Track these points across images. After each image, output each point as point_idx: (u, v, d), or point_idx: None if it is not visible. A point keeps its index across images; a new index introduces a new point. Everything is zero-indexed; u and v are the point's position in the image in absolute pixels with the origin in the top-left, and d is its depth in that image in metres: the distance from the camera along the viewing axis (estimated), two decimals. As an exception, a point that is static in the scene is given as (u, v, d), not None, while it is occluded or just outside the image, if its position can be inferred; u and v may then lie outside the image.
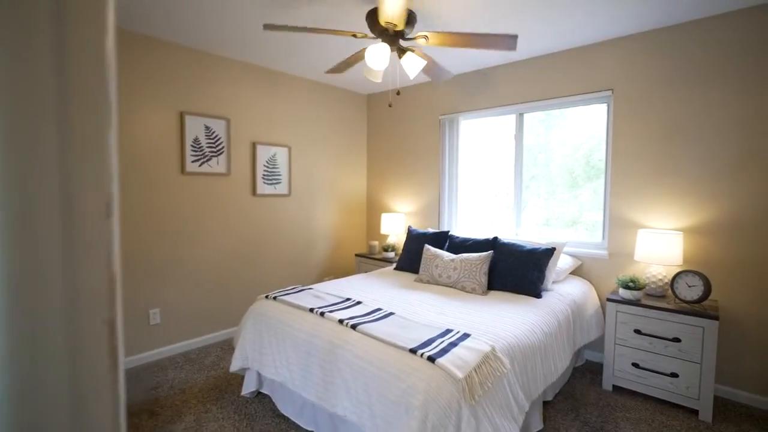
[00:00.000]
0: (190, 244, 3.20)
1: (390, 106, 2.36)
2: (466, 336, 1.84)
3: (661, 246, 2.56)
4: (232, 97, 3.42)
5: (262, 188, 3.70)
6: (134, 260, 2.91)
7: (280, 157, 3.83)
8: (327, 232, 4.32)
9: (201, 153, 3.25)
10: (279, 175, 3.84)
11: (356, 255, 4.29)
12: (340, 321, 2.02)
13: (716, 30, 2.50)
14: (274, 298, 2.45)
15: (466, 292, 2.71)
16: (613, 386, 2.66)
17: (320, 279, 4.28)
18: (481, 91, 3.63)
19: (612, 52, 2.90)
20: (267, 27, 1.90)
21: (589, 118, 3.19)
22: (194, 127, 3.19)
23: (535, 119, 3.45)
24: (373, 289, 2.73)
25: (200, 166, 3.25)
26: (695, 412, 2.38)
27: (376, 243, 4.25)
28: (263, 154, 3.69)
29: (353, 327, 1.95)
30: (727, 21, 2.46)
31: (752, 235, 2.43)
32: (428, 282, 2.94)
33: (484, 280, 2.71)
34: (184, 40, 2.99)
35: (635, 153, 2.84)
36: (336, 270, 4.45)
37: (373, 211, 4.69)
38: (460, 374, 1.54)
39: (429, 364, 1.61)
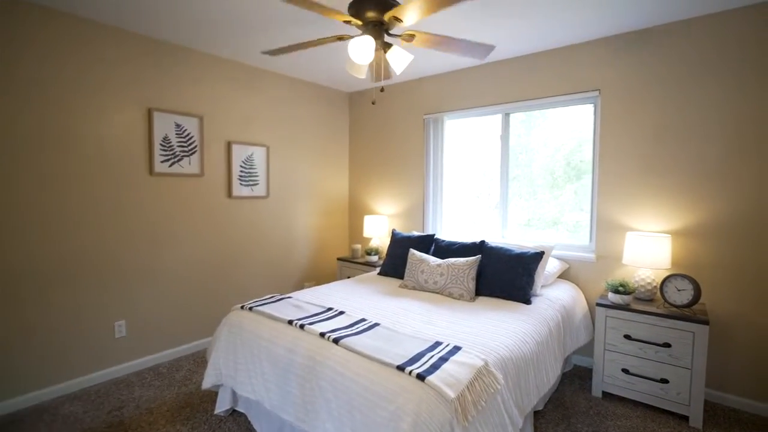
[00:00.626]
0: (159, 250, 2.99)
1: (373, 103, 2.23)
2: (456, 349, 1.73)
3: (650, 249, 2.51)
4: (205, 93, 3.22)
5: (239, 190, 3.50)
6: (97, 269, 2.68)
7: (258, 158, 3.65)
8: (308, 235, 4.15)
9: (171, 153, 3.04)
10: (256, 176, 3.65)
11: (338, 259, 4.14)
12: (322, 334, 1.88)
13: (703, 30, 2.47)
14: (250, 308, 2.28)
15: (454, 298, 2.61)
16: (603, 392, 2.60)
17: (301, 285, 4.11)
18: (467, 91, 3.54)
19: (599, 51, 2.85)
20: (266, 53, 1.77)
21: (569, 119, 3.15)
22: (164, 125, 2.98)
23: (516, 120, 3.39)
24: (356, 297, 2.59)
25: (170, 166, 3.03)
26: (686, 419, 2.34)
27: (358, 246, 4.11)
28: (239, 154, 3.50)
29: (336, 341, 1.81)
30: (713, 21, 2.43)
31: (740, 237, 2.41)
32: (414, 288, 2.82)
33: (472, 285, 2.61)
34: (153, 31, 2.77)
35: (623, 154, 2.80)
36: (317, 275, 4.29)
37: (355, 213, 4.54)
38: (452, 394, 1.42)
39: (418, 382, 1.48)
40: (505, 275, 2.61)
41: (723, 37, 2.41)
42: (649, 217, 2.71)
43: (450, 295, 2.63)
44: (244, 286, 3.59)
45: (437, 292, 2.70)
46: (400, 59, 2.06)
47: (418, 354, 1.67)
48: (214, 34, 2.83)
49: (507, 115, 3.41)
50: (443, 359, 1.63)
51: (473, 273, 2.64)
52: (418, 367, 1.55)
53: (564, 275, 3.08)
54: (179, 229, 3.10)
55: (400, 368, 1.56)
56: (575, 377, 2.85)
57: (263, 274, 3.75)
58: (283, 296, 2.52)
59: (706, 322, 2.23)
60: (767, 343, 2.37)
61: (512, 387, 1.74)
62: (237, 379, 2.10)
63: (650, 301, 2.59)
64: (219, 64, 3.29)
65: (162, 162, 2.98)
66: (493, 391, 1.56)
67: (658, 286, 2.58)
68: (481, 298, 2.63)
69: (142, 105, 2.85)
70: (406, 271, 2.92)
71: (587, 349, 2.99)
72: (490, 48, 1.90)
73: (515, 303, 2.51)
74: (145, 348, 2.94)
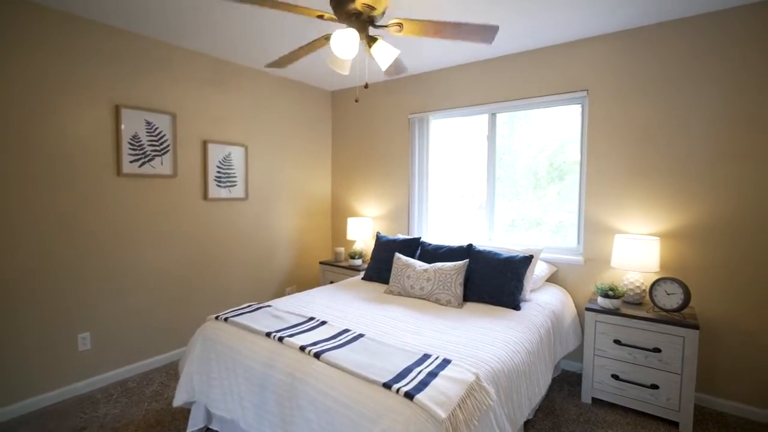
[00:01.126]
0: (128, 255, 2.79)
1: (357, 101, 2.11)
2: (446, 362, 1.62)
3: (638, 252, 2.47)
4: (178, 89, 3.03)
5: (215, 191, 3.33)
6: (59, 276, 2.48)
7: (236, 158, 3.48)
8: (289, 238, 4.00)
9: (141, 152, 2.85)
10: (234, 177, 3.48)
11: (321, 263, 4.00)
12: (302, 348, 1.75)
13: (693, 31, 2.44)
14: (226, 319, 2.13)
15: (441, 305, 2.51)
16: (593, 399, 2.55)
17: (282, 290, 3.96)
18: (453, 90, 3.45)
19: (587, 51, 2.80)
20: (269, 65, 1.69)
21: (553, 120, 3.11)
22: (133, 123, 2.79)
23: (500, 120, 3.33)
24: (339, 305, 2.46)
25: (141, 166, 2.84)
26: (675, 424, 2.30)
27: (342, 249, 3.98)
28: (216, 153, 3.33)
29: (317, 355, 1.68)
30: (703, 22, 2.41)
31: (728, 239, 2.39)
32: (399, 294, 2.71)
33: (459, 291, 2.52)
34: (121, 22, 2.58)
35: (610, 155, 2.76)
36: (299, 279, 4.14)
37: (338, 215, 4.41)
38: (442, 414, 1.32)
39: (406, 401, 1.37)
40: (493, 280, 2.53)
41: (713, 38, 2.39)
42: (637, 219, 2.67)
43: (437, 302, 2.54)
44: (221, 293, 3.41)
45: (424, 298, 2.60)
46: (385, 54, 1.95)
47: (405, 369, 1.56)
48: (187, 27, 2.66)
49: (494, 115, 3.34)
50: (432, 374, 1.53)
51: (461, 278, 2.55)
52: (405, 384, 1.44)
53: (552, 278, 3.03)
54: (150, 233, 2.91)
55: (387, 386, 1.44)
56: (564, 383, 2.80)
57: (242, 279, 3.58)
58: (261, 305, 2.38)
59: (696, 327, 2.19)
60: (755, 345, 2.36)
61: (504, 401, 1.65)
62: (211, 396, 1.95)
63: (639, 304, 2.55)
64: (193, 59, 3.11)
65: (131, 162, 2.79)
66: (485, 407, 1.46)
67: (647, 290, 2.54)
68: (469, 304, 2.55)
69: (109, 101, 2.66)
70: (392, 276, 2.81)
71: (576, 353, 2.94)
72: (494, 29, 1.75)
73: (504, 309, 2.43)
74: (111, 361, 2.74)
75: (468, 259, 2.67)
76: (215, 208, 3.34)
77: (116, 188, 2.72)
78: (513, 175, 3.32)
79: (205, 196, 3.26)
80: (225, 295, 3.45)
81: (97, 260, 2.64)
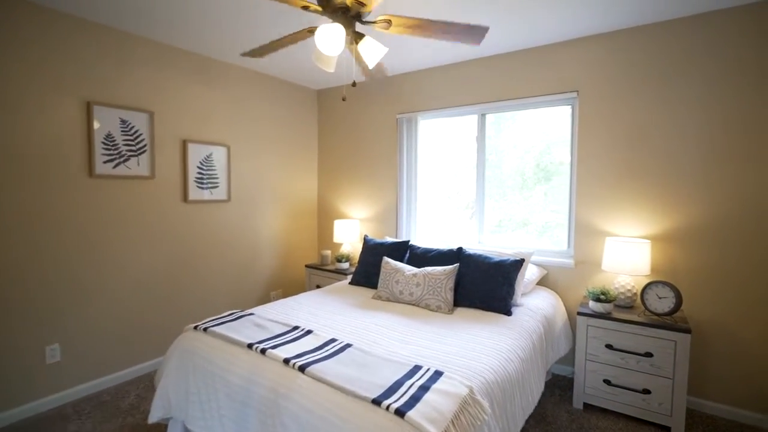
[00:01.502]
0: (101, 261, 2.64)
1: (344, 99, 2.02)
2: (438, 375, 1.55)
3: (630, 255, 2.44)
4: (155, 86, 2.89)
5: (196, 193, 3.19)
6: (24, 284, 2.32)
7: (218, 158, 3.35)
8: (274, 241, 3.88)
9: (116, 152, 2.70)
10: (216, 178, 3.35)
11: (307, 266, 3.89)
12: (286, 361, 1.65)
13: (686, 32, 2.42)
14: (205, 329, 2.01)
15: (431, 310, 2.44)
16: (584, 404, 2.51)
17: (266, 294, 3.83)
18: (442, 90, 3.39)
19: (578, 51, 2.77)
20: (246, 54, 1.48)
21: (539, 121, 3.09)
22: (106, 121, 2.64)
23: (487, 121, 3.28)
24: (325, 312, 2.37)
25: (115, 167, 2.70)
26: (667, 429, 2.28)
27: (328, 252, 3.88)
28: (196, 153, 3.19)
29: (302, 369, 1.59)
30: (696, 23, 2.39)
31: (719, 242, 2.38)
32: (388, 300, 2.63)
33: (449, 296, 2.45)
34: (93, 14, 2.44)
35: (601, 157, 2.73)
36: (284, 283, 4.02)
37: (324, 217, 4.30)
38: (435, 432, 1.24)
39: (397, 419, 1.29)
40: (484, 285, 2.47)
41: (706, 39, 2.37)
42: (628, 222, 2.65)
43: (427, 307, 2.46)
44: (202, 299, 3.28)
45: (413, 304, 2.52)
46: (373, 51, 1.86)
47: (395, 383, 1.48)
48: (164, 20, 2.53)
49: (483, 116, 3.29)
50: (424, 388, 1.45)
51: (451, 283, 2.48)
52: (396, 400, 1.36)
53: (543, 282, 2.99)
54: (125, 237, 2.76)
55: (376, 402, 1.36)
56: (555, 387, 2.76)
57: (224, 284, 3.45)
58: (244, 313, 2.26)
59: (688, 331, 2.17)
60: (744, 348, 2.35)
61: (499, 414, 1.58)
62: (188, 412, 1.83)
63: (630, 308, 2.52)
64: (172, 55, 2.97)
65: (105, 162, 2.64)
66: (480, 423, 1.39)
67: (639, 293, 2.52)
68: (459, 309, 2.48)
69: (80, 97, 2.51)
70: (380, 281, 2.72)
71: (567, 358, 2.90)
72: (483, 30, 1.69)
73: (496, 314, 2.37)
74: (83, 373, 2.59)
75: (458, 264, 2.60)
76: (196, 210, 3.21)
77: (88, 190, 2.57)
78: (500, 175, 3.28)
79: (185, 198, 3.12)
80: (206, 301, 3.31)
81: (67, 266, 2.49)
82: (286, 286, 4.03)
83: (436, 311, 2.42)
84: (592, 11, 2.35)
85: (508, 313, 2.37)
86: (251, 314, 2.25)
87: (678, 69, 2.44)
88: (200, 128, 3.21)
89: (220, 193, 3.38)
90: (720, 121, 2.35)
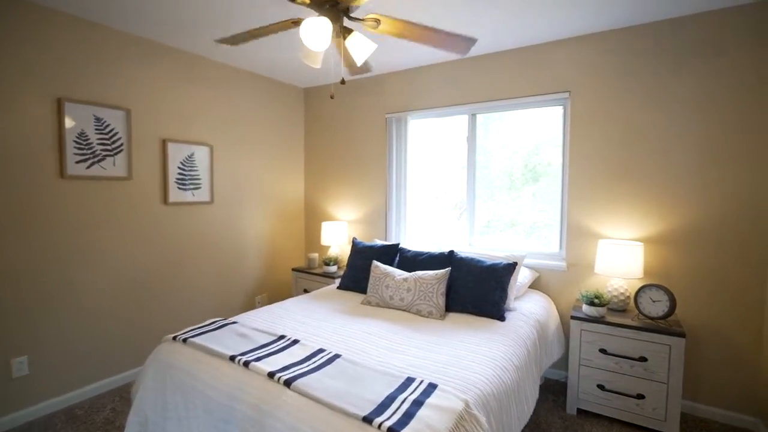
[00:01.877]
0: (74, 267, 2.50)
1: (332, 97, 1.93)
2: (432, 387, 1.47)
3: (623, 258, 2.41)
4: (133, 82, 2.75)
5: (177, 195, 3.06)
6: (-13, 294, 2.17)
7: (200, 158, 3.21)
8: (259, 244, 3.76)
9: (90, 151, 2.55)
10: (198, 179, 3.21)
11: (293, 270, 3.78)
12: (271, 375, 1.55)
13: (681, 31, 2.39)
14: (184, 340, 1.90)
15: (422, 316, 2.36)
16: (578, 410, 2.47)
17: (251, 299, 3.71)
18: (432, 89, 3.32)
19: (571, 51, 2.72)
20: (220, 41, 1.41)
21: (527, 122, 3.06)
22: (80, 119, 2.49)
23: (477, 121, 3.23)
24: (313, 319, 2.27)
25: (89, 167, 2.55)
26: (661, 435, 2.24)
27: (315, 255, 3.77)
28: (177, 153, 3.05)
29: (287, 383, 1.49)
30: (692, 22, 2.36)
31: (713, 244, 2.36)
32: (378, 305, 2.55)
33: (441, 301, 2.38)
34: (64, 4, 2.29)
35: (593, 158, 2.69)
36: (270, 287, 3.90)
37: (312, 219, 4.19)
38: (431, 452, 1.16)
39: (390, 439, 1.21)
40: (476, 289, 2.41)
41: (701, 39, 2.35)
42: (621, 224, 2.62)
43: (418, 313, 2.39)
44: (184, 305, 3.14)
45: (404, 310, 2.44)
46: (361, 48, 1.78)
47: (387, 398, 1.40)
48: (141, 12, 2.40)
49: (474, 116, 3.23)
50: (417, 403, 1.37)
51: (443, 288, 2.41)
52: (388, 418, 1.28)
53: (534, 285, 2.94)
54: (100, 241, 2.62)
55: (368, 420, 1.28)
56: (548, 392, 2.71)
57: (207, 290, 3.32)
58: (226, 321, 2.15)
59: (682, 335, 2.14)
60: (738, 351, 2.33)
61: (495, 427, 1.51)
62: (167, 429, 1.72)
63: (623, 311, 2.49)
64: (150, 50, 2.84)
65: (77, 163, 2.50)
66: (476, 439, 1.32)
67: (632, 297, 2.49)
68: (451, 314, 2.41)
69: (50, 93, 2.36)
70: (369, 285, 2.64)
71: (559, 362, 2.86)
72: (471, 42, 1.66)
73: (489, 320, 2.31)
74: (55, 386, 2.44)
75: (450, 267, 2.54)
76: (177, 212, 3.07)
77: (59, 192, 2.42)
78: (488, 176, 3.24)
79: (165, 200, 2.98)
80: (188, 308, 3.18)
81: (35, 273, 2.34)
82: (271, 291, 3.92)
83: (428, 317, 2.35)
84: (586, 12, 2.30)
85: (502, 318, 2.31)
86: (234, 323, 2.14)
87: (673, 69, 2.42)
88: (181, 127, 3.07)
89: (202, 195, 3.24)
90: (716, 121, 2.32)
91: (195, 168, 3.19)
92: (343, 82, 1.72)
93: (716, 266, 2.35)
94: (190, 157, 3.15)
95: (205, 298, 3.30)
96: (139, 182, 2.81)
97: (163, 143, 2.95)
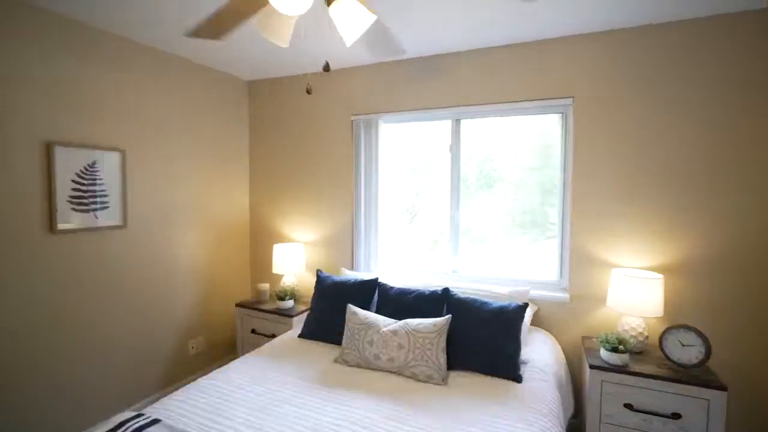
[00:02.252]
0: None
1: (309, 92, 1.32)
2: None
3: (640, 293, 2.06)
4: (-6, 60, 1.89)
5: (70, 218, 2.22)
6: None
7: (107, 168, 2.39)
8: (192, 275, 2.97)
9: None
10: (105, 195, 2.39)
11: (238, 305, 3.04)
12: None
13: (700, 34, 2.09)
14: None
15: (419, 381, 1.82)
16: (599, 476, 2.08)
17: (184, 345, 2.91)
18: (408, 89, 2.79)
19: (576, 51, 2.34)
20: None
21: (509, 128, 2.70)
22: None
23: (443, 126, 2.79)
24: (272, 403, 1.62)
25: None
26: (696, 502, 1.91)
27: (266, 286, 3.08)
28: (71, 162, 2.22)
29: None
30: (713, 24, 2.06)
31: (741, 273, 2.07)
32: (358, 365, 1.96)
33: (443, 360, 1.85)
34: None
35: (600, 174, 2.33)
36: (208, 328, 3.12)
37: (260, 241, 3.46)
38: None
39: None
40: (485, 341, 1.92)
41: (718, 44, 2.05)
42: (632, 250, 2.28)
43: (413, 376, 1.84)
44: (80, 374, 2.30)
45: (396, 373, 1.88)
46: (353, 20, 1.19)
47: None
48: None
49: (458, 122, 2.75)
50: None
51: (443, 342, 1.89)
52: None
53: (534, 320, 2.53)
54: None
55: None
56: (554, 449, 2.30)
57: (120, 342, 2.49)
58: (141, 423, 1.43)
59: (723, 388, 1.82)
60: None
61: None
62: None
63: (640, 353, 2.15)
64: (31, 17, 1.98)
65: None
66: None
67: (649, 336, 2.16)
68: (454, 375, 1.89)
69: None
70: (346, 338, 2.04)
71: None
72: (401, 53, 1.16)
73: (503, 381, 1.83)
74: None
75: (447, 313, 2.02)
76: (70, 243, 2.23)
77: None
78: (464, 182, 2.80)
79: (52, 228, 2.14)
80: (87, 378, 2.34)
81: None
82: (210, 333, 3.14)
83: (426, 381, 1.82)
84: (599, 9, 1.91)
85: (518, 378, 1.84)
86: (155, 422, 1.43)
87: (692, 76, 2.10)
88: (76, 125, 2.24)
89: (110, 217, 2.42)
90: (747, 131, 2.04)
91: (99, 181, 2.36)
92: (327, 69, 1.12)
93: (748, 299, 2.08)
94: (91, 167, 2.31)
95: (117, 354, 2.47)
96: (8, 204, 1.95)
97: (48, 148, 2.11)
